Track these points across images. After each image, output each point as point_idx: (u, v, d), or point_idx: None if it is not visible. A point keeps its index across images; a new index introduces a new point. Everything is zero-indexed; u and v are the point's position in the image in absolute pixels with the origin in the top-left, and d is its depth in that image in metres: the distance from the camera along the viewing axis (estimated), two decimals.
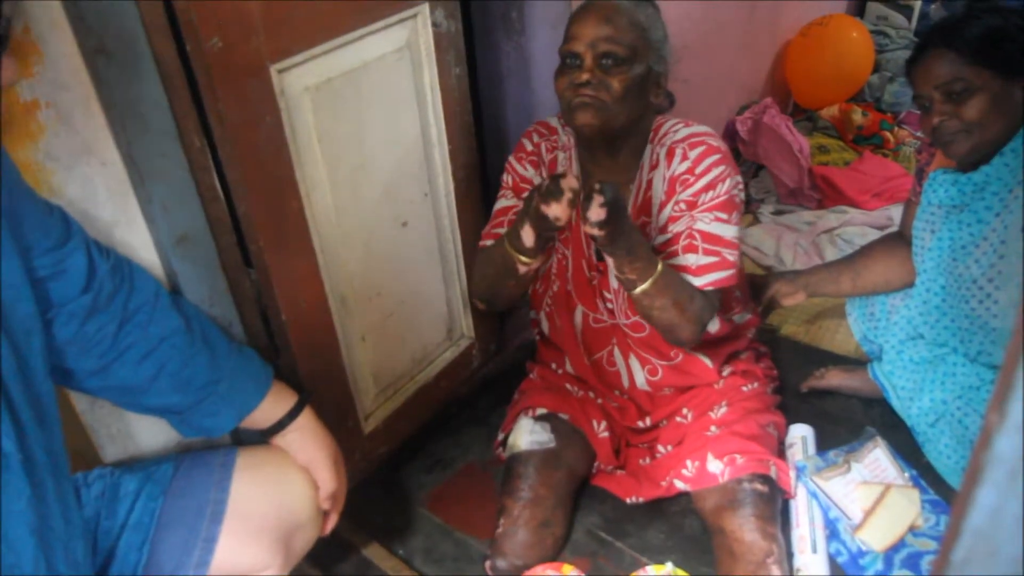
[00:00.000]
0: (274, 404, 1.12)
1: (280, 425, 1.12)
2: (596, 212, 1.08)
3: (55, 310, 0.90)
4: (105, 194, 0.99)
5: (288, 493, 1.10)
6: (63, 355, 0.93)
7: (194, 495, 1.03)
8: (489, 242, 1.44)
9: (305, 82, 1.21)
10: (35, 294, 0.85)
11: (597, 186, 1.08)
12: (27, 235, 0.84)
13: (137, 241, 1.04)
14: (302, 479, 1.13)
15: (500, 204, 1.47)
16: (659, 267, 1.22)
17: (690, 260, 1.29)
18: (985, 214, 1.36)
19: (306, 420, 1.14)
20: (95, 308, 0.93)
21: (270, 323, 1.28)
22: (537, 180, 1.44)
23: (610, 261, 1.22)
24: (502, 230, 1.42)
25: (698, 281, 1.29)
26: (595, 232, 1.12)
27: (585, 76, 1.21)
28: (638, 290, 1.23)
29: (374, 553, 1.44)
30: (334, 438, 1.19)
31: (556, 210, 1.12)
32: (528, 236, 1.21)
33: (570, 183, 1.10)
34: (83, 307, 0.92)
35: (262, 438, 1.14)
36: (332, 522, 1.20)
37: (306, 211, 1.26)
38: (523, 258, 1.26)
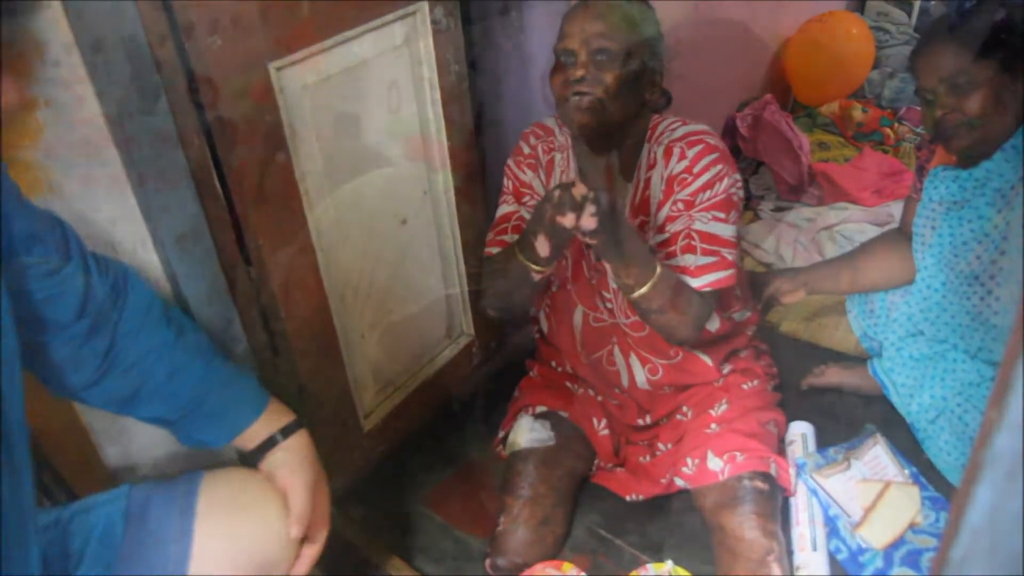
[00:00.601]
0: (267, 423, 1.07)
1: (271, 442, 1.07)
2: (587, 221, 1.08)
3: (51, 333, 0.90)
4: (104, 192, 0.99)
5: (259, 532, 1.01)
6: (60, 372, 0.93)
7: (150, 557, 0.94)
8: (495, 250, 1.42)
9: (304, 80, 1.21)
10: (29, 314, 0.84)
11: (591, 194, 1.07)
12: (25, 254, 0.83)
13: (136, 239, 1.04)
14: (275, 514, 1.03)
15: (502, 210, 1.45)
16: (657, 271, 1.21)
17: (688, 261, 1.29)
18: (986, 210, 1.35)
19: (300, 442, 1.10)
20: (93, 329, 0.93)
21: (269, 321, 1.28)
22: (536, 183, 1.43)
23: (607, 265, 1.22)
24: (506, 237, 1.41)
25: (696, 282, 1.28)
26: (587, 240, 1.12)
27: (579, 72, 1.21)
28: (636, 294, 1.22)
29: (374, 551, 1.44)
30: (331, 451, 1.16)
31: (572, 220, 1.11)
32: (543, 247, 1.20)
33: (580, 191, 1.10)
34: (81, 331, 0.92)
35: (250, 459, 1.09)
36: (305, 565, 1.08)
37: (305, 209, 1.26)
38: (537, 267, 1.25)
